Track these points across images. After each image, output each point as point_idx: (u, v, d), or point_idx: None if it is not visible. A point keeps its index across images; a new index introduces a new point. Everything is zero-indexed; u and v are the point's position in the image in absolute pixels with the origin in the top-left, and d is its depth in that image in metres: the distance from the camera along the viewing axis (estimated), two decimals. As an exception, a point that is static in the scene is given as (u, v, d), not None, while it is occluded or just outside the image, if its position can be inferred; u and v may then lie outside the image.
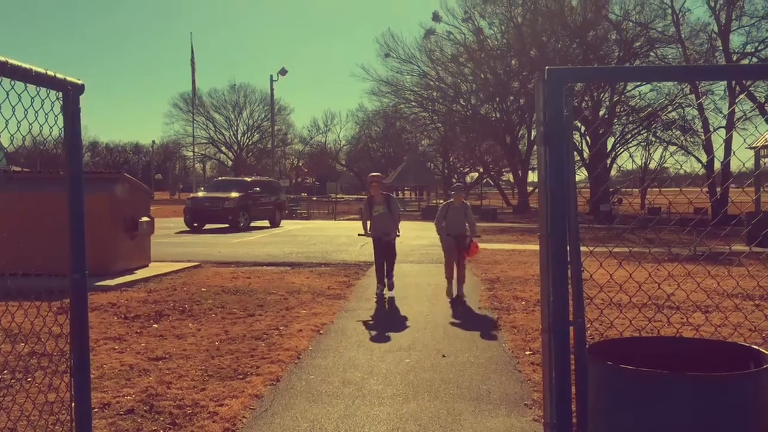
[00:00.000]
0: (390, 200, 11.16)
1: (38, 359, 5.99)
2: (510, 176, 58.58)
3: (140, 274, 12.82)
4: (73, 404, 3.10)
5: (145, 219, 13.73)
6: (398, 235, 11.33)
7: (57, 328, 3.19)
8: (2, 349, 5.17)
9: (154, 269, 13.46)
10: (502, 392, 5.81)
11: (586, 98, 41.98)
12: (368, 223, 11.17)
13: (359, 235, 11.45)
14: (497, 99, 49.37)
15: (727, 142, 30.42)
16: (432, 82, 51.79)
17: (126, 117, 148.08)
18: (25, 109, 2.73)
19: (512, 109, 50.03)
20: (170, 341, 7.53)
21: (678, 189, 4.14)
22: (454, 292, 10.64)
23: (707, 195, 26.70)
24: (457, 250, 10.67)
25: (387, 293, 11.08)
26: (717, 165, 33.07)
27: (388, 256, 11.16)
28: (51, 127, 2.93)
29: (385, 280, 11.16)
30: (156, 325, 8.41)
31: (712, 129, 36.02)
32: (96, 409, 5.01)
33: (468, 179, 67.14)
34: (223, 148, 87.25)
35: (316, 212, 42.96)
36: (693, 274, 4.20)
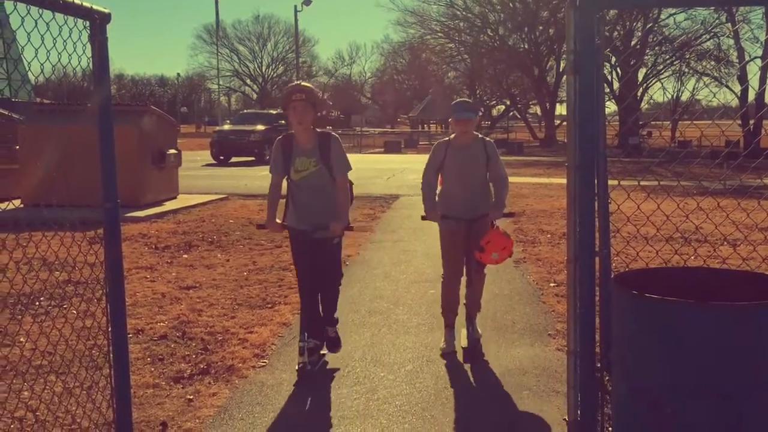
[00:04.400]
0: (330, 146, 4.74)
1: (75, 286, 6.18)
2: (537, 109, 57.60)
3: (169, 205, 13.01)
4: (109, 329, 3.21)
5: (172, 151, 13.83)
6: (350, 228, 4.85)
7: (92, 257, 3.27)
8: (41, 277, 5.35)
9: (182, 201, 13.64)
10: (525, 323, 5.88)
11: (618, 27, 40.72)
12: (278, 203, 4.85)
13: (258, 227, 5.21)
14: (526, 29, 48.08)
15: (763, 71, 29.49)
16: (459, 12, 50.47)
17: (150, 49, 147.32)
18: (54, 38, 2.73)
19: (541, 40, 48.76)
20: (200, 271, 7.70)
21: (710, 120, 4.05)
22: (463, 342, 5.21)
23: (740, 126, 26.09)
24: (466, 248, 5.13)
25: (323, 355, 4.99)
26: (751, 95, 32.19)
27: (324, 275, 4.86)
28: (79, 57, 2.94)
29: (326, 329, 5.00)
30: (186, 256, 8.59)
31: (748, 56, 34.85)
32: (131, 335, 5.19)
33: (494, 112, 66.21)
34: (248, 81, 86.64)
35: (342, 145, 42.79)
36: (722, 207, 4.16)
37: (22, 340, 4.84)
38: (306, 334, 4.65)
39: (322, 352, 4.94)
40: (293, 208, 4.80)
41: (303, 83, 4.81)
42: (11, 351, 4.51)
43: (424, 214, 5.18)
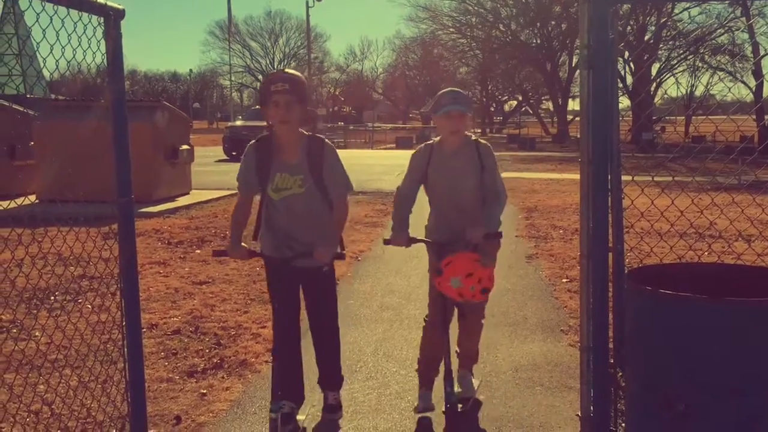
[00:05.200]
0: (324, 158, 3.55)
1: (89, 281, 6.23)
2: (549, 104, 57.37)
3: (182, 201, 13.07)
4: (123, 324, 3.24)
5: (185, 147, 13.89)
6: (341, 256, 3.55)
7: (106, 252, 3.30)
8: (56, 272, 5.39)
9: (195, 197, 13.70)
10: (538, 318, 5.87)
11: (631, 22, 40.46)
12: (245, 224, 3.63)
13: (214, 254, 3.57)
14: (538, 24, 47.87)
15: (779, 67, 29.22)
16: (471, 7, 50.29)
17: (163, 45, 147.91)
18: (69, 34, 2.76)
19: (553, 35, 48.52)
20: (212, 266, 7.73)
21: (725, 116, 4.03)
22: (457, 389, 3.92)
23: (755, 121, 25.85)
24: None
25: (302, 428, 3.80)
26: (766, 90, 31.89)
27: (317, 316, 3.83)
28: (94, 53, 2.95)
29: (325, 395, 3.95)
30: (198, 251, 8.63)
31: (763, 51, 34.52)
32: (144, 329, 5.23)
33: (506, 107, 65.99)
34: (260, 77, 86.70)
35: (353, 141, 42.83)
36: (737, 202, 4.13)
37: (37, 334, 4.89)
38: (279, 396, 3.21)
39: (299, 417, 3.69)
40: (267, 230, 3.65)
41: (288, 70, 3.59)
42: (27, 345, 4.56)
43: (386, 237, 3.80)
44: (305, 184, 3.49)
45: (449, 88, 3.88)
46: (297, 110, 3.38)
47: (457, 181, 3.84)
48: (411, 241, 3.75)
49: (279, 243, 3.59)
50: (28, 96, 17.40)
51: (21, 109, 14.49)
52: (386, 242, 3.77)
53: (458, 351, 4.17)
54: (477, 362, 4.31)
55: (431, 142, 3.96)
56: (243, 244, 3.46)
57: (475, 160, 3.82)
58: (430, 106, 3.82)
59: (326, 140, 3.59)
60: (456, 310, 3.97)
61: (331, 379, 3.89)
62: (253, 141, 3.59)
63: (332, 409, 3.88)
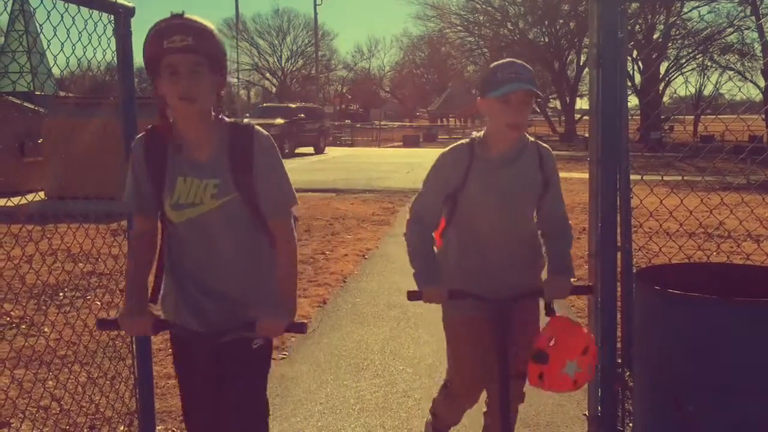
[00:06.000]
0: (253, 154, 2.24)
1: (98, 278, 6.26)
2: (557, 103, 57.22)
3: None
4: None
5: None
6: (299, 327, 2.21)
7: (115, 248, 3.32)
8: (65, 268, 5.42)
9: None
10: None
11: (640, 21, 40.31)
12: (146, 275, 2.33)
13: (99, 325, 2.31)
14: (546, 23, 47.75)
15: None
16: (479, 5, 50.23)
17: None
18: (79, 32, 2.77)
19: (561, 34, 48.38)
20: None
21: (734, 116, 4.02)
22: None
23: (764, 121, 25.74)
24: (500, 354, 2.56)
25: None
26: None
27: (232, 412, 2.35)
28: (104, 51, 2.97)
29: None
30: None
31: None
32: (153, 326, 5.24)
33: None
34: (268, 75, 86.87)
35: (360, 139, 42.86)
36: (746, 202, 4.11)
37: (47, 330, 4.91)
38: None
39: None
40: (173, 282, 2.34)
41: (190, 15, 2.15)
42: (37, 341, 4.58)
43: (412, 289, 2.62)
44: (222, 195, 2.20)
45: (507, 59, 2.65)
46: (208, 81, 2.14)
47: (512, 204, 2.65)
48: (453, 294, 2.57)
49: (192, 308, 2.29)
50: (37, 93, 17.49)
51: (31, 106, 14.57)
52: (412, 297, 2.61)
53: None
54: None
55: (468, 141, 2.68)
56: (157, 309, 2.34)
57: (536, 173, 2.66)
58: (479, 84, 2.67)
59: (259, 130, 2.26)
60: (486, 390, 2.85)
61: None
62: (141, 134, 2.31)
63: None
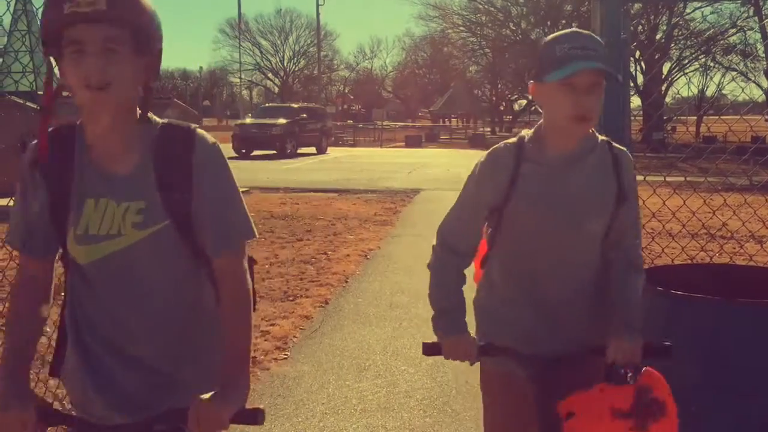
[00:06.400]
0: (192, 168, 1.59)
1: None
2: (559, 103, 57.20)
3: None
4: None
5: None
6: (253, 417, 1.46)
7: None
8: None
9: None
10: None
11: (642, 22, 40.31)
12: (35, 342, 1.73)
13: None
14: (549, 23, 47.73)
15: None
16: (481, 6, 50.26)
17: (173, 42, 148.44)
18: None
19: (564, 34, 48.48)
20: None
21: (737, 116, 4.01)
22: None
23: (766, 122, 25.71)
24: (544, 424, 1.84)
25: None
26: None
27: None
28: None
29: None
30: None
31: (775, 53, 34.29)
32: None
33: (516, 107, 65.82)
34: (270, 75, 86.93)
35: (362, 139, 42.86)
36: (749, 203, 4.11)
37: (48, 330, 4.91)
38: None
39: None
40: (79, 349, 1.71)
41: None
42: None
43: (429, 341, 2.10)
44: (149, 224, 1.58)
45: (569, 30, 1.95)
46: (129, 64, 1.51)
47: (575, 219, 1.96)
48: (483, 351, 1.95)
49: (98, 377, 1.66)
50: (40, 93, 17.54)
51: (34, 105, 14.60)
52: (429, 352, 2.07)
53: None
54: None
55: (515, 139, 2.03)
56: (58, 388, 1.78)
57: (608, 180, 1.99)
58: (532, 65, 2.07)
59: (201, 133, 1.67)
60: None
61: None
62: (34, 141, 1.67)
63: None
